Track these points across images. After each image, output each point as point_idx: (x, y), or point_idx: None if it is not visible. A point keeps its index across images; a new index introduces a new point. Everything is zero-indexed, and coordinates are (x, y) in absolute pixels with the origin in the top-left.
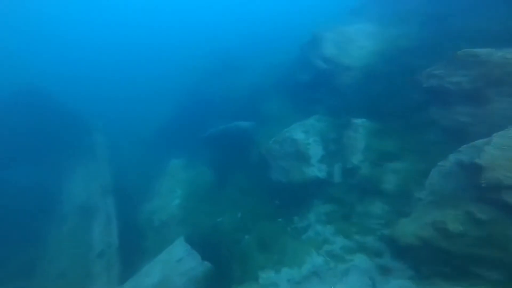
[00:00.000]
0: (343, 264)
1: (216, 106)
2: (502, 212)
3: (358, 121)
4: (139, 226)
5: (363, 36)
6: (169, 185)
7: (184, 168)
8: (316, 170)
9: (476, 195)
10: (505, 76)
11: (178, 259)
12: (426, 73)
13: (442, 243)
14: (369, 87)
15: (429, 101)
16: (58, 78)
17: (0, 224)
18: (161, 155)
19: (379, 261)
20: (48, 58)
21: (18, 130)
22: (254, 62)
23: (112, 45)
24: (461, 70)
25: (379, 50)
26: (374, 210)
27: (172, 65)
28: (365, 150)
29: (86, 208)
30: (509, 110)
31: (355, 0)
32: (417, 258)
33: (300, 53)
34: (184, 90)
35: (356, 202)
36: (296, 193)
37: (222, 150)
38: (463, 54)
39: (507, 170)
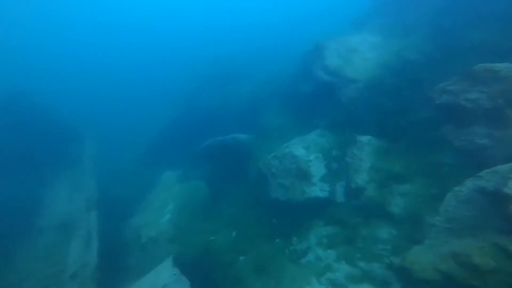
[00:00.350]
0: None
1: (215, 115)
2: None
3: (364, 138)
4: (124, 243)
5: (368, 47)
6: (161, 199)
7: (178, 181)
8: (317, 189)
9: (505, 226)
10: None
11: (164, 285)
12: (439, 89)
13: (472, 281)
14: (375, 101)
15: (442, 119)
16: (47, 82)
17: None
18: (155, 166)
19: None
20: (38, 61)
21: None
22: (254, 70)
23: (109, 49)
24: (478, 86)
25: (385, 62)
26: (381, 235)
27: (170, 71)
28: (370, 170)
29: (67, 223)
30: None
31: (358, 10)
32: None
33: (302, 63)
34: (182, 98)
35: (360, 225)
36: (296, 212)
37: (219, 164)
38: (480, 69)
39: None
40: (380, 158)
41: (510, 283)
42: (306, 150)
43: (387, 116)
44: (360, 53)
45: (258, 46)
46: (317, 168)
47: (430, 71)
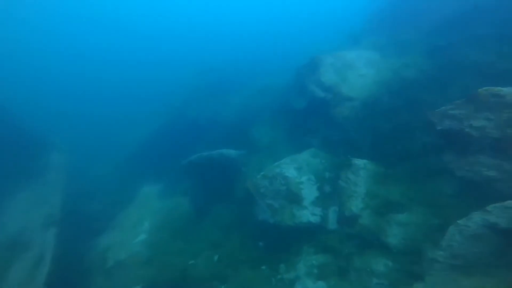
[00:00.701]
0: None
1: (202, 128)
2: None
3: (360, 162)
4: (86, 267)
5: (364, 63)
6: (136, 216)
7: (158, 197)
8: (308, 214)
9: None
10: None
11: None
12: (441, 113)
13: None
14: (372, 122)
15: (444, 146)
16: (13, 85)
17: None
18: (133, 180)
19: None
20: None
21: None
22: (246, 81)
23: (91, 56)
24: (484, 112)
25: (382, 80)
26: (376, 267)
27: (158, 78)
28: (366, 197)
29: (18, 242)
30: None
31: (353, 25)
32: None
33: (296, 77)
34: (169, 107)
35: (354, 255)
36: (284, 237)
37: (204, 180)
38: (485, 93)
39: None
40: (376, 184)
41: None
42: (298, 171)
43: (384, 139)
44: (356, 69)
45: (251, 57)
46: (309, 191)
47: (429, 91)
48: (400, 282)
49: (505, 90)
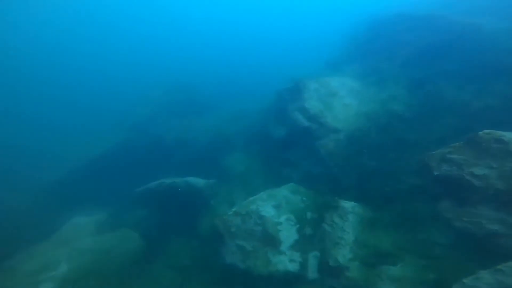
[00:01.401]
0: None
1: (167, 151)
2: None
3: (348, 204)
4: None
5: (347, 91)
6: (48, 256)
7: (94, 231)
8: (286, 260)
9: None
10: None
11: None
12: (438, 156)
13: None
14: (359, 160)
15: (440, 193)
16: None
17: None
18: (60, 210)
19: None
20: None
21: None
22: (221, 103)
23: (49, 60)
24: (486, 159)
25: (368, 112)
26: None
27: (121, 93)
28: (354, 245)
29: None
30: None
31: (330, 52)
32: None
33: (276, 102)
34: (127, 124)
35: None
36: (256, 286)
37: (162, 212)
38: (487, 138)
39: None
40: (365, 230)
41: None
42: (276, 209)
43: (371, 178)
44: (340, 98)
45: (226, 78)
46: (288, 233)
47: (415, 129)
48: None
49: (507, 136)
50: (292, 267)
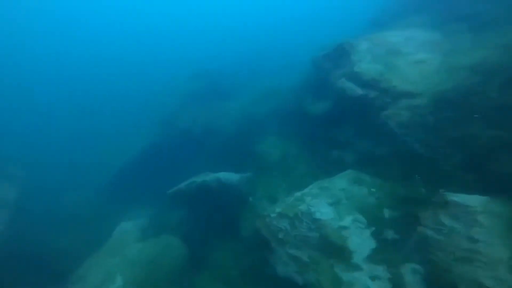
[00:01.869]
0: None
1: (196, 144)
2: None
3: (471, 200)
4: None
5: (418, 46)
6: (106, 266)
7: (139, 237)
8: (365, 277)
9: None
10: None
11: None
12: None
13: None
14: (466, 130)
15: None
16: None
17: None
18: (107, 215)
19: None
20: None
21: None
22: (247, 83)
23: (71, 58)
24: None
25: (474, 65)
26: None
27: (146, 88)
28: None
29: None
30: None
31: (372, 11)
32: None
33: (314, 72)
34: (157, 120)
35: None
36: None
37: (198, 213)
38: None
39: None
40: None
41: None
42: (335, 207)
43: (493, 156)
44: (406, 55)
45: (253, 53)
46: (359, 240)
47: None
48: None
49: None
50: (376, 286)
